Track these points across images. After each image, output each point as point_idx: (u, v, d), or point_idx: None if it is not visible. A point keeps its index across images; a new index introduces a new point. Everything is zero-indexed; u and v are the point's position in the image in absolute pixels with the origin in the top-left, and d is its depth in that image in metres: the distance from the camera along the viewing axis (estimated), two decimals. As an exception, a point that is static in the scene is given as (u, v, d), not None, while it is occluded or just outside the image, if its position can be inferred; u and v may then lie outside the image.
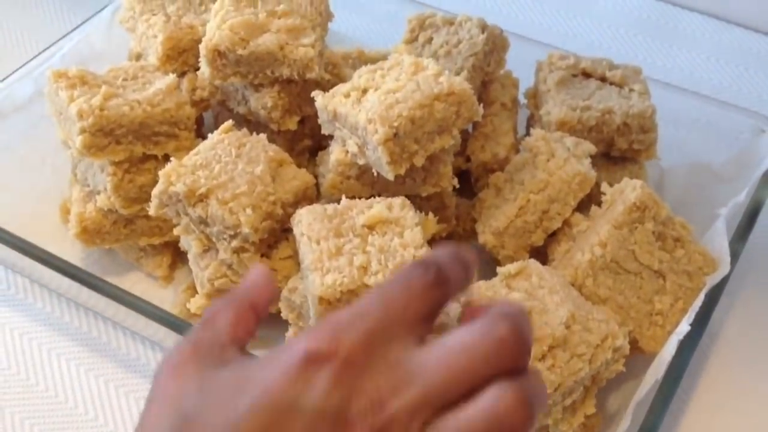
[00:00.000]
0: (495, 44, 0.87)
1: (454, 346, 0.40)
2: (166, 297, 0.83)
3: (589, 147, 0.77)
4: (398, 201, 0.67)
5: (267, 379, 0.39)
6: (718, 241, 0.73)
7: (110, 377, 0.79)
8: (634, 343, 0.69)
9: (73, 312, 0.83)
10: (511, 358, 0.40)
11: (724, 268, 0.70)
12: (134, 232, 0.81)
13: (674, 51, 1.08)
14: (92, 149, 0.75)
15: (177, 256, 0.84)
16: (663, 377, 0.66)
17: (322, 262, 0.63)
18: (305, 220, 0.66)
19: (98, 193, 0.79)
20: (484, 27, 0.86)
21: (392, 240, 0.65)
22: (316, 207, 0.68)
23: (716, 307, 0.70)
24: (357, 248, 0.64)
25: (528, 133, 0.89)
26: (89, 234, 0.80)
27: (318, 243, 0.64)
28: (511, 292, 0.64)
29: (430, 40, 0.87)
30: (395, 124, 0.69)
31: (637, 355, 0.70)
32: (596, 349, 0.63)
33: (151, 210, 0.73)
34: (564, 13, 1.14)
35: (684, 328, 0.66)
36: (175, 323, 0.71)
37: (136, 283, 0.84)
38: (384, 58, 0.83)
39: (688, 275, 0.71)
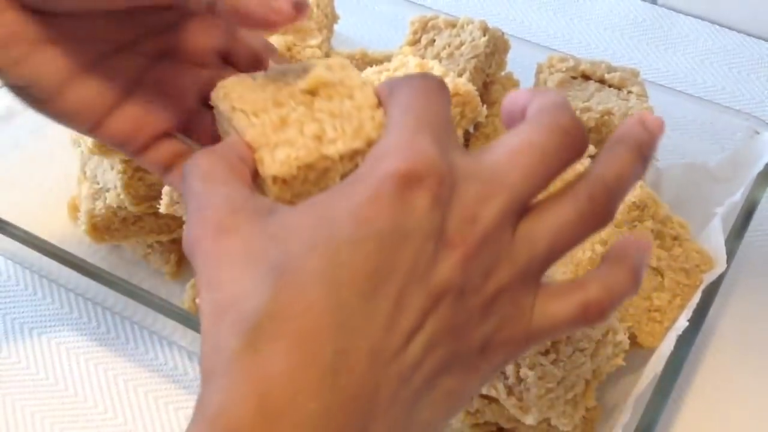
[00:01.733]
0: (496, 46, 0.89)
1: (522, 145, 0.39)
2: (173, 292, 0.84)
3: (590, 148, 0.79)
4: (337, 60, 0.56)
5: (360, 208, 0.37)
6: (714, 239, 0.75)
7: (119, 371, 0.80)
8: (632, 339, 0.71)
9: (81, 307, 0.85)
10: (576, 150, 0.40)
11: (720, 266, 0.72)
12: (143, 229, 0.83)
13: (669, 54, 1.10)
14: (103, 147, 0.76)
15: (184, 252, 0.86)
16: (661, 371, 0.67)
17: (266, 137, 0.50)
18: (234, 93, 0.52)
19: (108, 190, 0.81)
20: (485, 29, 0.88)
21: (342, 103, 0.53)
22: (243, 76, 0.54)
23: (713, 303, 0.72)
24: (304, 116, 0.52)
25: (528, 134, 0.91)
26: (99, 231, 0.82)
27: (257, 116, 0.51)
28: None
29: (432, 41, 0.89)
30: (402, 124, 0.70)
31: (636, 350, 0.71)
32: (598, 343, 0.64)
33: (162, 207, 0.74)
34: (561, 16, 1.16)
35: (682, 323, 0.68)
36: (185, 317, 0.72)
37: (143, 280, 0.85)
38: (387, 59, 0.84)
39: (685, 273, 0.73)
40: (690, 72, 1.08)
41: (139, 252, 0.87)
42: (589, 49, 1.12)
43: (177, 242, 0.84)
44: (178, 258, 0.85)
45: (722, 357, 0.79)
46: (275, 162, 0.49)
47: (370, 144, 0.48)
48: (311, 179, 0.48)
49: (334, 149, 0.50)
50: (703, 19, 1.13)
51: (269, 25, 0.47)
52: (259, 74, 0.54)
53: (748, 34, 1.11)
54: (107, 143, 0.55)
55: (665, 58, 1.10)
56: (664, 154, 0.89)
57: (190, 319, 0.72)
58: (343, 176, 0.48)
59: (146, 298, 0.74)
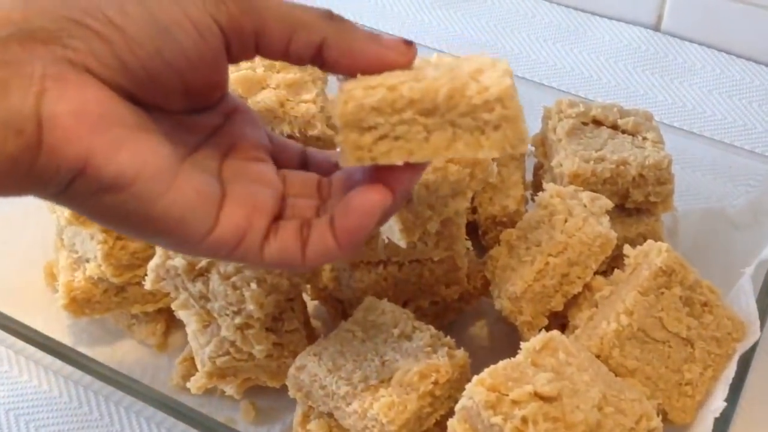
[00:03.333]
0: (501, 91, 0.83)
1: None
2: (161, 366, 0.78)
3: (606, 203, 0.73)
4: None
5: None
6: (744, 301, 0.70)
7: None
8: (663, 415, 0.66)
9: (62, 386, 0.78)
10: None
11: (754, 334, 0.67)
12: (126, 300, 0.77)
13: (675, 84, 1.05)
14: (81, 218, 0.70)
15: (171, 322, 0.79)
16: (698, 456, 0.62)
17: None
18: None
19: (87, 260, 0.75)
20: (489, 73, 0.82)
21: None
22: None
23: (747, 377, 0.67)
24: None
25: (536, 184, 0.85)
26: (78, 304, 0.75)
27: None
28: (538, 372, 0.61)
29: (432, 87, 0.83)
30: (408, 189, 0.65)
31: (667, 427, 0.66)
32: (631, 431, 0.59)
33: (147, 284, 0.68)
34: (561, 46, 1.10)
35: (719, 404, 0.63)
36: (172, 406, 0.66)
37: (128, 352, 0.79)
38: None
39: (717, 342, 0.68)
40: (698, 103, 1.03)
41: (122, 322, 0.80)
42: (590, 81, 1.06)
43: (163, 311, 0.78)
44: (165, 329, 0.79)
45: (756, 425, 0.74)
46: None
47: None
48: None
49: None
50: (708, 46, 1.08)
51: (385, 66, 0.48)
52: None
53: (757, 62, 1.06)
54: (215, 251, 0.49)
55: (671, 88, 1.05)
56: (680, 197, 0.84)
57: (176, 408, 0.66)
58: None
59: (129, 385, 0.67)
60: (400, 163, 0.49)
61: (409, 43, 0.50)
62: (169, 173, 0.46)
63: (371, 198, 0.49)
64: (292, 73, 0.74)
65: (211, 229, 0.48)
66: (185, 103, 0.50)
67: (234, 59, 0.49)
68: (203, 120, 0.52)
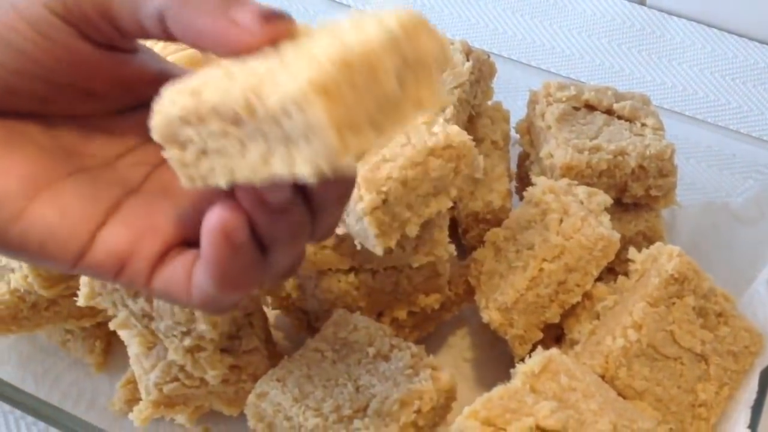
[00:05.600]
0: (482, 72, 0.74)
1: None
2: (100, 388, 0.69)
3: (605, 199, 0.65)
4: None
5: None
6: (761, 310, 0.62)
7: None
8: (675, 441, 0.58)
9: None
10: None
11: (774, 348, 0.60)
12: (59, 314, 0.67)
13: (664, 63, 0.97)
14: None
15: (113, 337, 0.70)
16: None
17: None
18: None
19: (12, 270, 0.65)
20: (468, 52, 0.73)
21: None
22: None
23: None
24: None
25: (521, 176, 0.77)
26: (3, 321, 0.65)
27: None
28: (539, 400, 0.52)
29: (405, 67, 0.74)
30: (384, 188, 0.56)
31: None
32: (647, 469, 0.51)
33: (80, 300, 0.58)
34: (541, 21, 1.02)
35: (741, 430, 0.55)
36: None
37: (63, 372, 0.70)
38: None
39: (733, 356, 0.60)
40: (689, 83, 0.95)
41: (56, 338, 0.70)
42: (570, 59, 0.98)
43: (104, 326, 0.68)
44: (105, 345, 0.69)
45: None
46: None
47: None
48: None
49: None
50: (698, 22, 1.00)
51: (230, 48, 0.38)
52: None
53: (750, 39, 0.98)
54: (97, 274, 0.43)
55: (659, 67, 0.97)
56: (679, 190, 0.76)
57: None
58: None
59: (60, 419, 0.58)
60: (223, 185, 0.38)
61: (268, 18, 0.38)
62: (24, 196, 0.42)
63: (208, 220, 0.39)
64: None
65: (82, 252, 0.42)
66: (102, 103, 0.44)
67: (106, 46, 0.43)
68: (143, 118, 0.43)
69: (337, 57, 0.34)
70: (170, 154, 0.39)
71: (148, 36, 0.42)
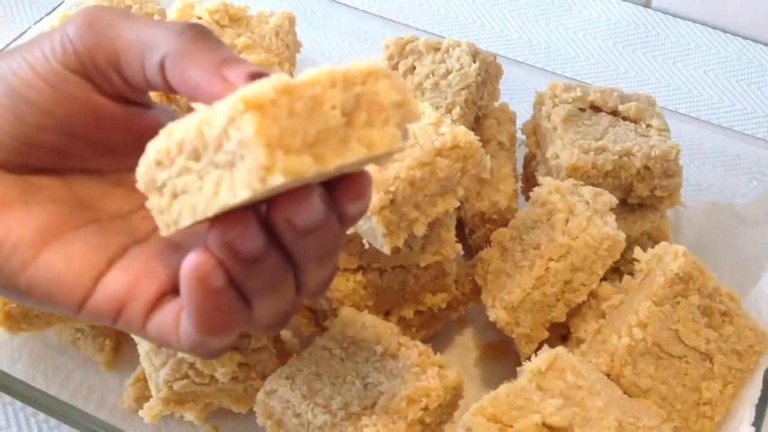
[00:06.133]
0: (488, 73, 0.75)
1: None
2: (110, 387, 0.69)
3: (610, 199, 0.66)
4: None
5: None
6: (766, 311, 0.63)
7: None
8: (680, 439, 0.58)
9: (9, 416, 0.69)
10: None
11: (779, 347, 0.60)
12: (69, 313, 0.67)
13: (669, 65, 0.98)
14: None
15: (122, 336, 0.70)
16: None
17: None
18: None
19: (23, 269, 0.65)
20: (475, 54, 0.74)
21: None
22: None
23: None
24: None
25: (527, 177, 0.77)
26: (14, 320, 0.66)
27: None
28: (545, 398, 0.53)
29: (412, 69, 0.75)
30: (391, 188, 0.57)
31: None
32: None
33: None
34: (545, 24, 1.02)
35: (747, 429, 0.55)
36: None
37: (73, 370, 0.70)
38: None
39: (738, 355, 0.61)
40: (694, 85, 0.96)
41: (66, 336, 0.71)
42: (575, 61, 0.98)
43: (113, 325, 0.69)
44: (114, 344, 0.70)
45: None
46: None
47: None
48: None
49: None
50: (702, 24, 1.01)
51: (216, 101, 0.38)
52: None
53: (755, 41, 0.99)
54: (98, 318, 0.45)
55: (664, 69, 0.97)
56: (684, 191, 0.77)
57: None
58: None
59: (70, 414, 0.59)
60: (187, 224, 0.39)
61: (256, 78, 0.39)
62: (35, 245, 0.43)
63: (184, 265, 0.40)
64: (256, 54, 0.65)
65: (85, 298, 0.44)
66: (119, 159, 0.46)
67: (120, 99, 0.45)
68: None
69: (280, 84, 0.35)
70: (151, 203, 0.40)
71: (153, 87, 0.43)
